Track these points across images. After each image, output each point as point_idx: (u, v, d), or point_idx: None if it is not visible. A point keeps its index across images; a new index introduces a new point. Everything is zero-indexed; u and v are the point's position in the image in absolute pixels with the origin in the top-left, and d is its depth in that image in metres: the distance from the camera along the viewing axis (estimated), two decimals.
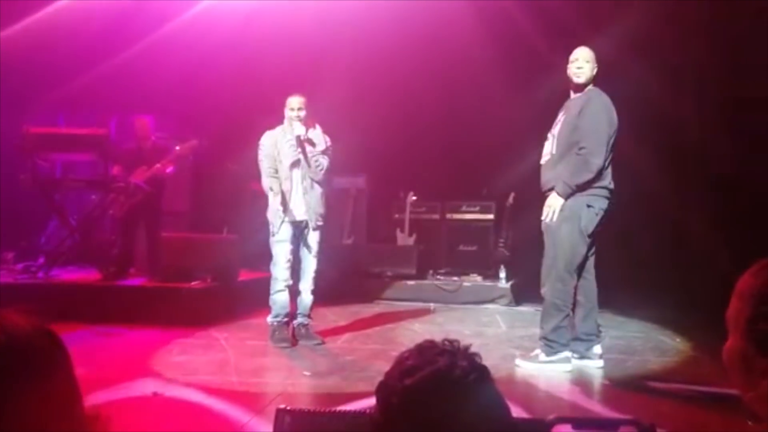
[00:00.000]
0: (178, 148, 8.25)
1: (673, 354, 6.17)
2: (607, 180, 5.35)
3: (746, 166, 8.04)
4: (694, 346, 6.30)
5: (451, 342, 1.27)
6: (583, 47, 5.55)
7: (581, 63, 5.45)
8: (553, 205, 5.33)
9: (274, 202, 6.08)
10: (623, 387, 5.12)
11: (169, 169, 8.12)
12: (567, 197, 5.27)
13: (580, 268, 5.41)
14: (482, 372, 1.24)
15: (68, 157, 8.49)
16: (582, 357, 5.52)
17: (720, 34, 8.32)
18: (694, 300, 7.09)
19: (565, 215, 5.29)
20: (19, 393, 0.94)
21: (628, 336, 6.83)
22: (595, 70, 5.45)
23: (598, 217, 5.31)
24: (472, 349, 1.27)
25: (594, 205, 5.28)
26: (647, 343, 6.54)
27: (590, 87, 5.44)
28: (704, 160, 8.60)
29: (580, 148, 5.24)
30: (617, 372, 5.44)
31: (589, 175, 5.21)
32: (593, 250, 5.51)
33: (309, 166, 6.13)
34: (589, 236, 5.33)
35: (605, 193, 5.34)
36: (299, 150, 6.11)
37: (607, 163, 5.31)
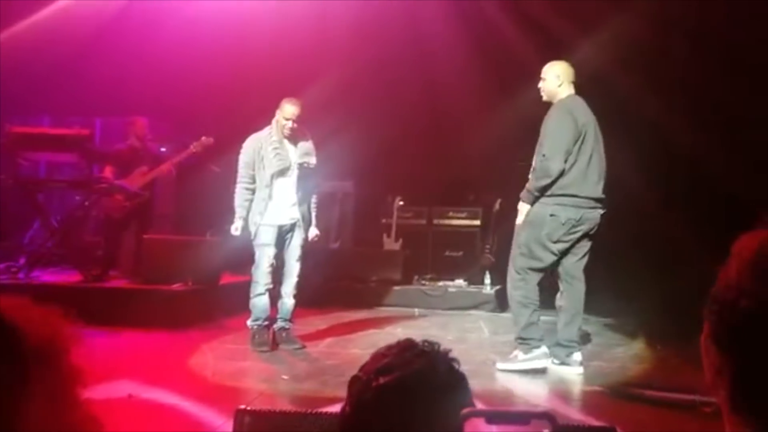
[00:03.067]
0: (192, 146, 8.10)
1: (655, 362, 6.16)
2: (582, 187, 5.35)
3: (734, 178, 8.03)
4: (675, 354, 6.28)
5: (431, 344, 1.24)
6: (548, 64, 5.63)
7: (540, 83, 5.59)
8: (520, 210, 5.50)
9: (236, 226, 6.12)
10: (604, 394, 5.09)
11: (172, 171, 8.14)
12: (531, 203, 5.41)
13: (546, 271, 5.49)
14: (459, 379, 1.21)
15: (51, 157, 8.44)
16: (562, 363, 5.53)
17: (713, 48, 8.32)
18: (677, 308, 7.07)
19: (529, 219, 5.43)
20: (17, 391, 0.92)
21: (609, 343, 6.82)
22: (557, 81, 5.50)
23: (567, 227, 5.34)
24: (452, 354, 1.24)
25: (559, 215, 5.33)
26: (629, 351, 6.54)
27: (559, 98, 5.50)
28: (691, 170, 8.60)
29: (543, 156, 5.34)
30: (598, 379, 5.42)
31: (548, 180, 5.30)
32: (581, 255, 5.53)
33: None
34: (556, 243, 5.38)
35: (577, 201, 5.35)
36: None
37: (572, 168, 5.31)
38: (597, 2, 8.60)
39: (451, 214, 9.84)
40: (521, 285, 5.47)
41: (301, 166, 6.11)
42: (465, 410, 0.92)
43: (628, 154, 8.20)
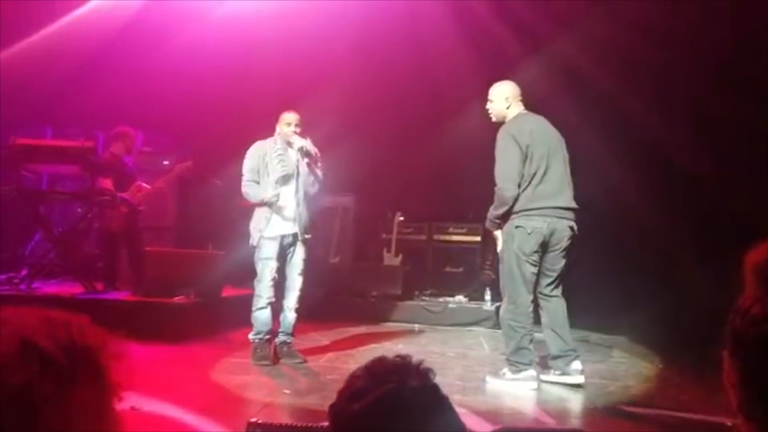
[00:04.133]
0: (175, 166, 8.31)
1: (656, 380, 6.15)
2: (545, 199, 5.46)
3: (739, 195, 8.04)
4: (677, 373, 6.29)
5: (402, 358, 1.23)
6: (494, 85, 5.79)
7: (488, 104, 5.77)
8: (496, 237, 5.68)
9: (260, 209, 6.06)
10: (605, 412, 5.09)
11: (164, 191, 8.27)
12: (496, 228, 5.62)
13: (534, 288, 5.54)
14: (433, 392, 1.20)
15: (54, 169, 8.45)
16: (563, 373, 5.58)
17: (708, 56, 8.36)
18: (679, 326, 7.09)
19: (504, 240, 5.58)
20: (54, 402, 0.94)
21: (610, 361, 6.82)
22: (505, 103, 5.67)
23: (534, 236, 5.44)
24: (425, 365, 1.23)
25: (524, 225, 5.45)
26: (630, 369, 6.53)
27: (507, 119, 5.65)
28: (698, 188, 8.61)
29: (496, 183, 5.53)
30: (599, 396, 5.42)
31: (504, 207, 5.50)
32: (556, 270, 5.58)
33: (312, 175, 6.13)
34: (530, 255, 5.45)
35: (541, 212, 5.46)
36: (306, 160, 6.08)
37: (528, 186, 5.44)
38: (601, 17, 8.65)
39: (451, 229, 9.86)
40: (512, 308, 5.52)
41: (301, 153, 6.07)
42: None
43: (626, 168, 8.26)
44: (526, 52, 8.86)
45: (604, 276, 7.55)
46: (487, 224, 5.70)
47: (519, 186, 5.43)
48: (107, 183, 7.89)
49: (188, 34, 9.41)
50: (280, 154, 6.11)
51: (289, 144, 6.11)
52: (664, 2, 8.48)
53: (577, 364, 5.57)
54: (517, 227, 5.46)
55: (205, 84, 9.43)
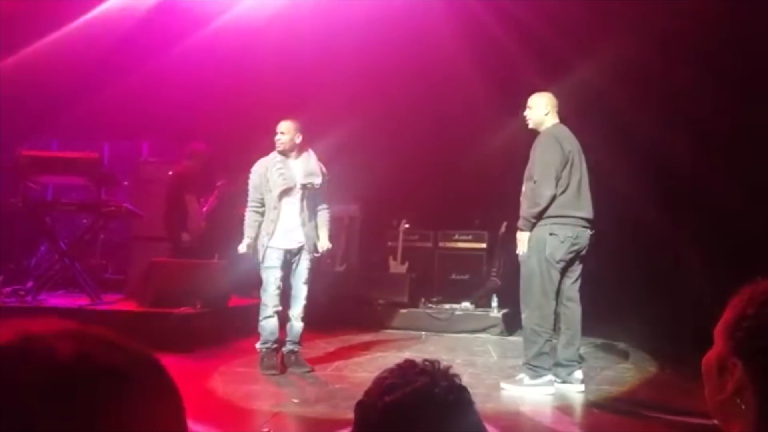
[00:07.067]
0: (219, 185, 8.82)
1: (665, 386, 6.13)
2: (575, 209, 5.57)
3: (741, 201, 8.02)
4: (684, 379, 6.25)
5: (431, 362, 1.27)
6: (535, 94, 5.87)
7: (526, 111, 5.83)
8: (520, 239, 5.64)
9: (243, 245, 6.15)
10: (613, 417, 5.08)
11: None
12: (529, 229, 5.57)
13: (557, 294, 5.59)
14: (461, 392, 1.23)
15: (60, 180, 8.48)
16: (564, 381, 5.64)
17: (713, 66, 8.35)
18: (686, 332, 7.05)
19: (531, 245, 5.57)
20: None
21: (618, 367, 6.79)
22: (544, 110, 5.74)
23: (566, 245, 5.51)
24: (452, 371, 1.27)
25: (558, 233, 5.51)
26: (637, 374, 6.51)
27: (545, 127, 5.73)
28: (700, 194, 8.60)
29: (534, 182, 5.55)
30: (606, 402, 5.41)
31: (539, 207, 5.49)
32: (575, 278, 5.69)
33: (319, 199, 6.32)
34: (558, 262, 5.53)
35: (572, 221, 5.56)
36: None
37: (564, 192, 5.52)
38: (601, 24, 8.65)
39: (456, 236, 9.86)
40: (537, 313, 5.56)
41: (305, 186, 6.14)
42: None
43: (627, 175, 8.25)
44: (532, 61, 8.86)
45: (609, 282, 7.54)
46: (521, 224, 5.63)
47: (556, 186, 5.48)
48: (191, 197, 8.06)
49: (192, 42, 9.43)
50: (279, 168, 6.12)
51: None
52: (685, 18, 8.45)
53: (578, 374, 5.67)
54: (551, 234, 5.50)
55: (211, 92, 9.45)
